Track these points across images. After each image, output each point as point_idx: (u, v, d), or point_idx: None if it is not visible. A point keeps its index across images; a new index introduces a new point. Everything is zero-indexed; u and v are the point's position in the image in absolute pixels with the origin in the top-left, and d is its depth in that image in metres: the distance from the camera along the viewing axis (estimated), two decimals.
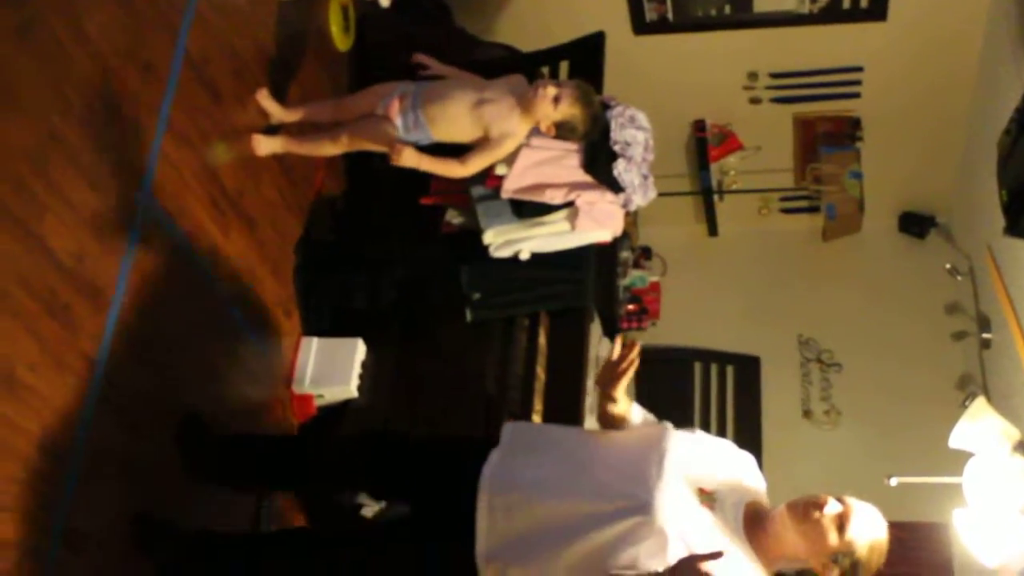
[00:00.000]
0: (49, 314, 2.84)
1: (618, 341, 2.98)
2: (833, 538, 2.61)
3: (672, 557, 2.48)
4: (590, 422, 4.87)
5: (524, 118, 3.83)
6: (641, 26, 5.90)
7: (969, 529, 4.28)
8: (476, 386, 4.34)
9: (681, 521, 2.57)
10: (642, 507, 2.58)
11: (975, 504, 4.24)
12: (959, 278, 6.02)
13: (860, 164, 6.38)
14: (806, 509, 2.63)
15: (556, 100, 3.75)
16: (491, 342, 4.42)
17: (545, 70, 4.96)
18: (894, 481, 4.66)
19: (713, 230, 6.88)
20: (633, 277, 6.37)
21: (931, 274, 6.33)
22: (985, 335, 5.61)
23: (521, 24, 5.80)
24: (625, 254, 6.18)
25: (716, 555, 2.36)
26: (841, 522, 2.62)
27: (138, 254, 3.24)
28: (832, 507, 2.63)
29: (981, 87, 5.81)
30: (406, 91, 3.92)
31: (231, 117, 3.91)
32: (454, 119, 3.87)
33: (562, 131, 3.82)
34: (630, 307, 6.25)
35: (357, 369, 4.28)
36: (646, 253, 6.68)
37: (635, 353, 2.92)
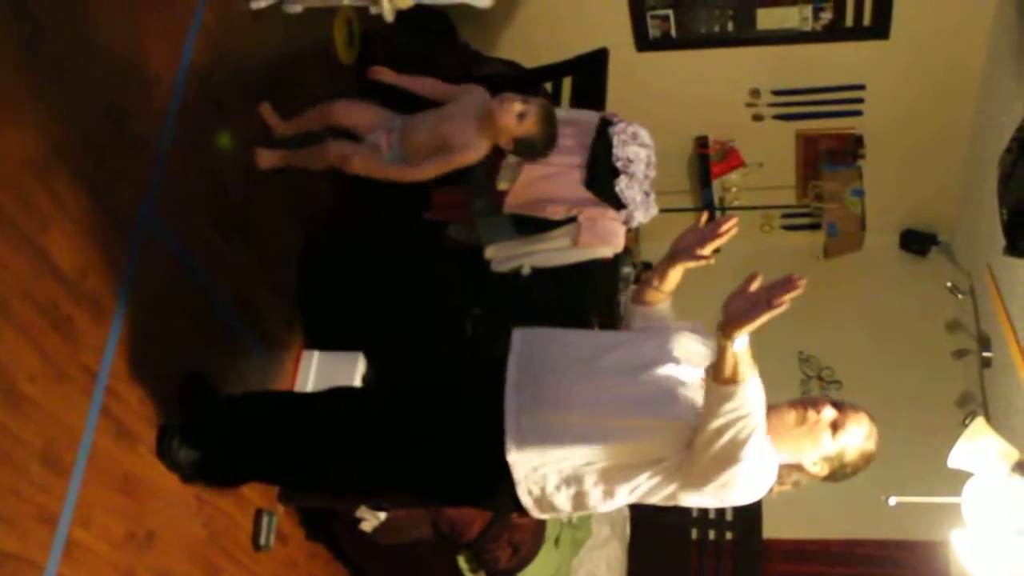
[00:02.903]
0: (51, 326, 2.84)
1: (704, 215, 3.00)
2: (826, 441, 2.73)
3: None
4: None
5: (482, 131, 3.86)
6: (644, 43, 5.93)
7: (968, 549, 4.27)
8: None
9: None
10: (659, 420, 2.70)
11: (974, 524, 4.24)
12: (960, 296, 6.02)
13: (862, 182, 6.39)
14: (804, 409, 2.74)
15: (521, 117, 3.77)
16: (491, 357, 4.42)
17: (548, 86, 4.98)
18: (893, 501, 4.66)
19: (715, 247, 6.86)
20: None
21: (932, 292, 6.33)
22: (985, 354, 5.60)
23: (525, 40, 5.82)
24: (626, 270, 6.19)
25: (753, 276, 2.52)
26: (835, 427, 2.72)
27: (141, 266, 3.25)
28: (827, 412, 2.73)
29: (983, 105, 5.82)
30: (393, 127, 3.98)
31: (235, 129, 3.92)
32: (422, 144, 3.92)
33: (520, 147, 3.85)
34: None
35: (357, 383, 4.28)
36: (647, 269, 6.68)
37: (731, 225, 2.88)
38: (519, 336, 3.01)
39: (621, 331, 3.18)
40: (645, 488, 2.80)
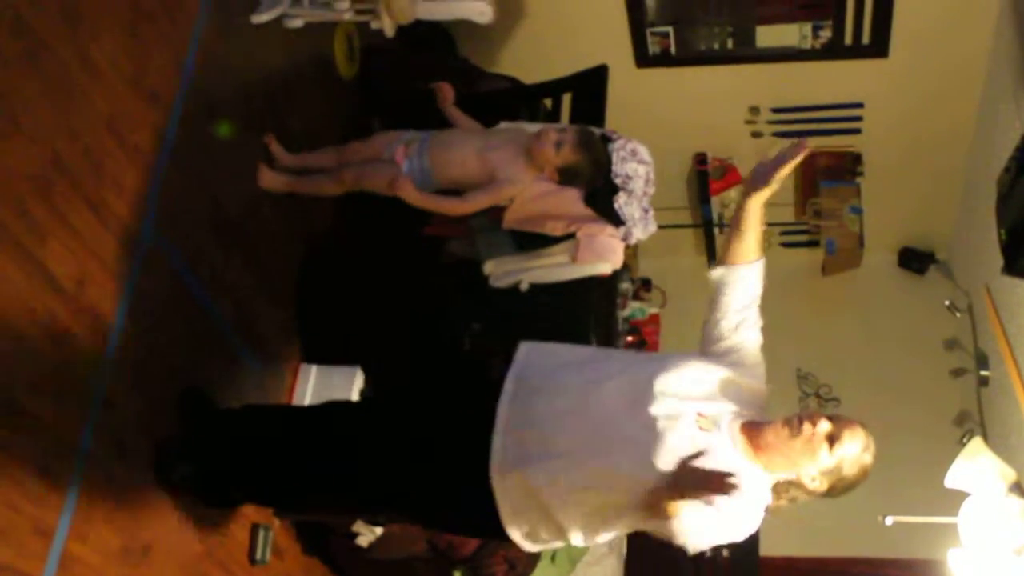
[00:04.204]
0: (49, 339, 2.84)
1: (774, 149, 2.92)
2: (824, 455, 2.68)
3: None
4: None
5: (529, 165, 3.90)
6: (644, 59, 5.94)
7: (964, 569, 4.27)
8: None
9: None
10: (643, 475, 2.63)
11: (971, 544, 4.23)
12: (958, 315, 6.02)
13: (860, 199, 6.40)
14: (799, 424, 2.70)
15: (558, 145, 3.81)
16: (489, 373, 4.41)
17: (548, 102, 4.98)
18: (890, 520, 4.65)
19: (713, 263, 6.85)
20: (632, 309, 6.37)
21: (930, 310, 6.33)
22: (983, 372, 5.60)
23: (525, 56, 5.83)
24: (625, 286, 6.19)
25: (699, 454, 2.48)
26: (832, 440, 2.68)
27: (139, 279, 3.25)
28: (823, 425, 2.69)
29: (982, 125, 5.83)
30: (412, 139, 4.00)
31: (236, 144, 3.93)
32: (460, 164, 3.94)
33: (565, 177, 3.90)
34: (629, 339, 6.25)
35: (355, 398, 4.28)
36: (646, 285, 6.69)
37: (804, 151, 2.79)
38: (522, 356, 2.99)
39: (624, 356, 3.15)
40: (627, 526, 2.81)
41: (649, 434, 2.67)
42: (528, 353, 3.00)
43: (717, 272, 3.00)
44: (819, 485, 2.73)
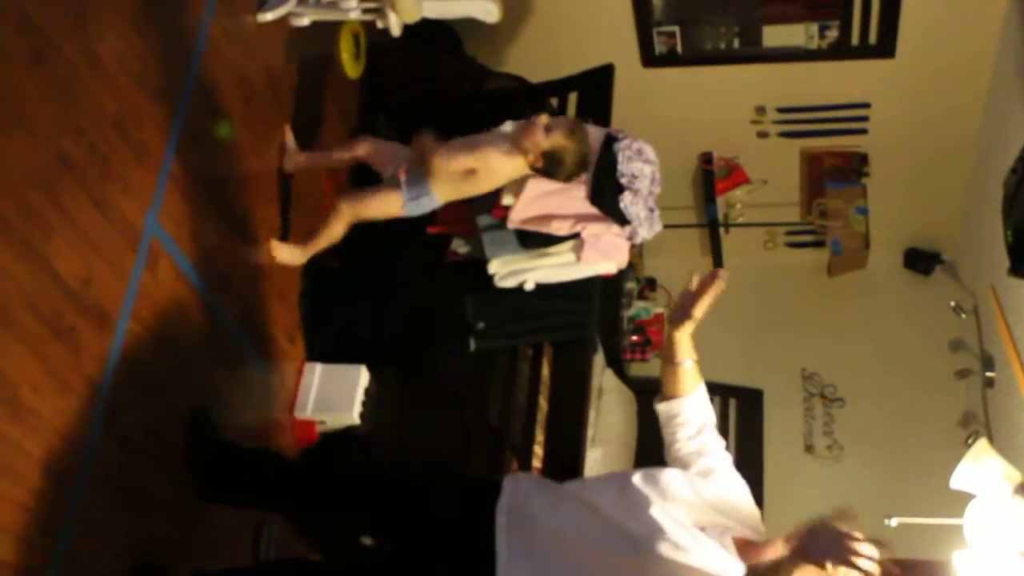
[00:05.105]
0: (54, 336, 2.84)
1: (696, 277, 2.92)
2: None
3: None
4: (593, 455, 4.86)
5: (514, 151, 3.84)
6: (650, 59, 5.93)
7: (970, 571, 4.26)
8: (479, 416, 4.33)
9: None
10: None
11: (976, 546, 4.22)
12: (963, 316, 6.01)
13: (866, 200, 6.39)
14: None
15: (548, 129, 3.76)
16: (494, 372, 4.42)
17: (554, 101, 4.98)
18: (894, 522, 4.63)
19: (718, 263, 6.87)
20: (637, 308, 6.38)
21: (935, 311, 6.32)
22: (989, 374, 5.59)
23: (531, 55, 5.83)
24: (630, 285, 6.20)
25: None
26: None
27: (144, 277, 3.25)
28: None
29: (988, 125, 5.82)
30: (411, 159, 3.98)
31: (240, 142, 3.93)
32: (461, 179, 3.90)
33: (549, 162, 3.78)
34: (634, 338, 6.26)
35: (360, 396, 4.28)
36: (651, 284, 6.69)
37: (721, 282, 2.84)
38: (507, 490, 2.89)
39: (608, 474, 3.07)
40: None
41: (654, 531, 2.63)
42: (515, 483, 2.93)
43: (662, 406, 3.01)
44: None
